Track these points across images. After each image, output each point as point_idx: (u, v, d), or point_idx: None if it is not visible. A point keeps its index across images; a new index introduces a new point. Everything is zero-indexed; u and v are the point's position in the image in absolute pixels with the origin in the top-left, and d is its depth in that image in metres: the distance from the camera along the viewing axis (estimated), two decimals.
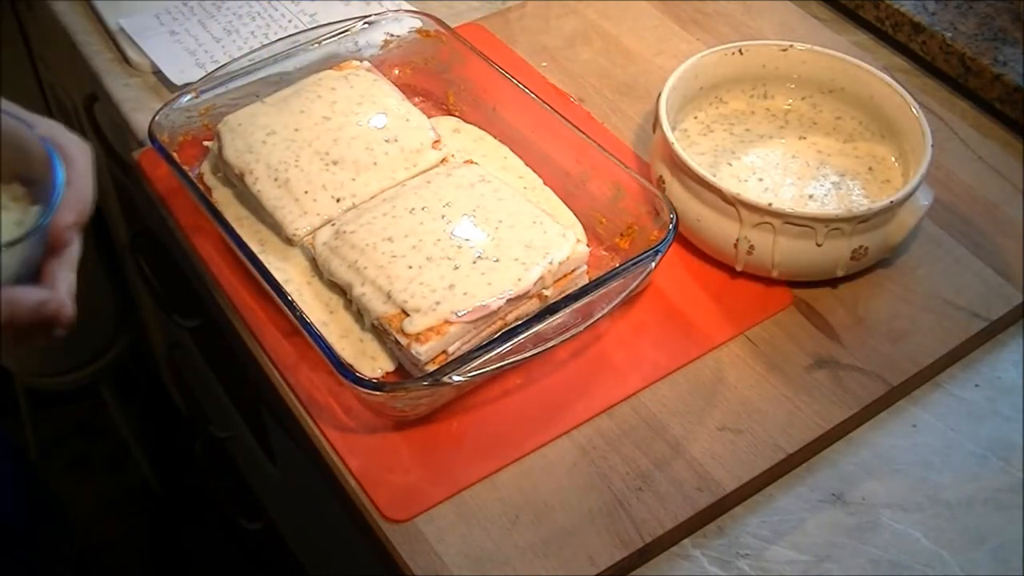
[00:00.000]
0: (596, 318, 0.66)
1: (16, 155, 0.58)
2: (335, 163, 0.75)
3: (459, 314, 0.65)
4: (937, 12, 0.93)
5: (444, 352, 0.66)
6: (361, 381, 0.62)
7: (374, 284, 0.68)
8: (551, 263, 0.68)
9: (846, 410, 0.69)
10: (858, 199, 0.77)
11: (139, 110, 0.88)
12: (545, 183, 0.80)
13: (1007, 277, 0.77)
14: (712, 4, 1.00)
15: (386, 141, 0.76)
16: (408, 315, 0.66)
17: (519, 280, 0.67)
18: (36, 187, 0.58)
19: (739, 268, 0.75)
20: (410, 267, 0.68)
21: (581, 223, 0.77)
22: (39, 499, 0.97)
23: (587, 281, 0.71)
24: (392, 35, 0.87)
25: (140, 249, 1.11)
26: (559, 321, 0.65)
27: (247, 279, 0.74)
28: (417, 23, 0.86)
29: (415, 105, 0.81)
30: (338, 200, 0.74)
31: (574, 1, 1.00)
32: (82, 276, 0.57)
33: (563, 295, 0.67)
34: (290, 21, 0.94)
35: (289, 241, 0.74)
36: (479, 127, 0.84)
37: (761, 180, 0.78)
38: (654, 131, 0.79)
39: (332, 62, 0.83)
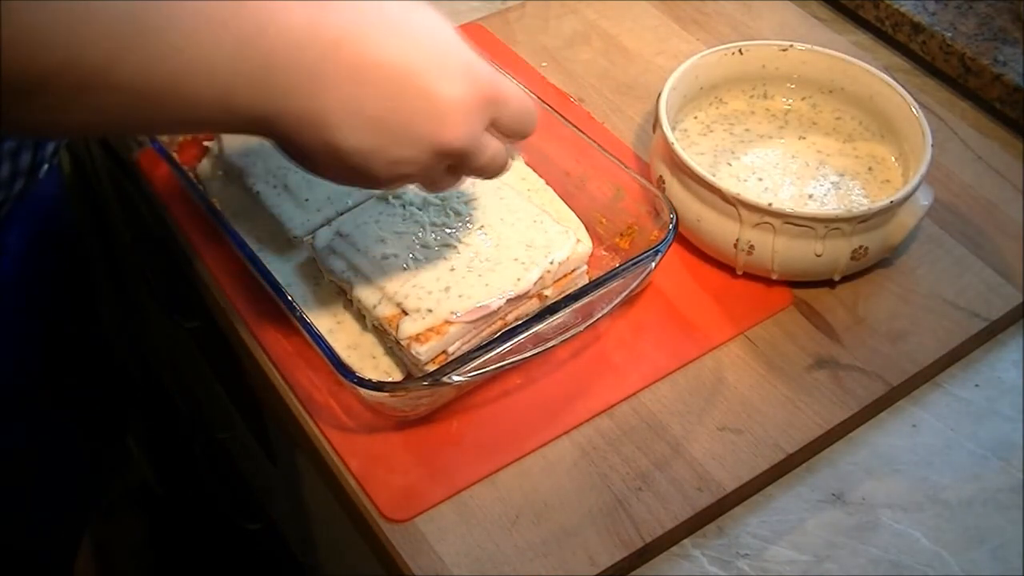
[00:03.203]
0: (596, 318, 0.66)
1: None
2: None
3: (458, 314, 0.65)
4: (937, 12, 0.93)
5: (444, 352, 0.66)
6: (361, 381, 0.62)
7: (372, 285, 0.68)
8: (552, 263, 0.68)
9: (846, 410, 0.69)
10: (858, 199, 0.77)
11: None
12: (546, 184, 0.80)
13: (1007, 277, 0.77)
14: (712, 4, 1.00)
15: None
16: (407, 315, 0.66)
17: (518, 280, 0.67)
18: None
19: (739, 269, 0.75)
20: (405, 268, 0.68)
21: (581, 223, 0.77)
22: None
23: (587, 281, 0.71)
24: None
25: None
26: (559, 321, 0.65)
27: (247, 279, 0.74)
28: None
29: None
30: (340, 213, 0.74)
31: (574, 1, 1.00)
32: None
33: (563, 295, 0.67)
34: None
35: (289, 241, 0.74)
36: None
37: (761, 180, 0.78)
38: (654, 131, 0.79)
39: None
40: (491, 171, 0.58)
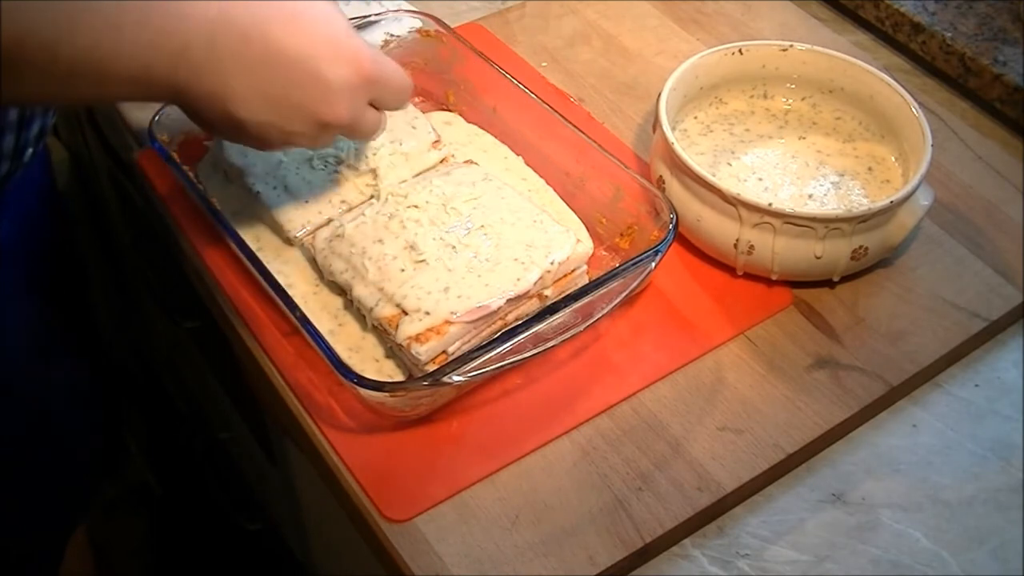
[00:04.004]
0: (596, 318, 0.66)
1: None
2: (337, 174, 0.75)
3: (457, 314, 0.65)
4: (937, 12, 0.93)
5: (444, 352, 0.66)
6: (361, 381, 0.62)
7: (372, 285, 0.68)
8: (552, 263, 0.68)
9: (846, 410, 0.69)
10: (858, 199, 0.77)
11: (139, 110, 0.88)
12: (546, 184, 0.80)
13: (1007, 277, 0.77)
14: (712, 4, 1.00)
15: (391, 143, 0.76)
16: (407, 315, 0.66)
17: (518, 280, 0.67)
18: None
19: (739, 270, 0.75)
20: (403, 270, 0.68)
21: (582, 223, 0.77)
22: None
23: (587, 281, 0.71)
24: (392, 35, 0.86)
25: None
26: (559, 321, 0.65)
27: (247, 279, 0.74)
28: (417, 23, 0.86)
29: (415, 105, 0.81)
30: (340, 213, 0.74)
31: (574, 1, 1.00)
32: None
33: (563, 295, 0.67)
34: None
35: (288, 241, 0.74)
36: (479, 127, 0.84)
37: (761, 180, 0.78)
38: (654, 131, 0.79)
39: None
40: (366, 136, 0.68)
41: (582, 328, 0.66)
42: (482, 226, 0.70)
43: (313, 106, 0.61)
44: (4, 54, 0.50)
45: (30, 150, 0.77)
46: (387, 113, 0.71)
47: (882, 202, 0.70)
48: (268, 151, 0.67)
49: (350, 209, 0.74)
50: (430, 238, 0.69)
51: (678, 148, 0.73)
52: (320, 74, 0.60)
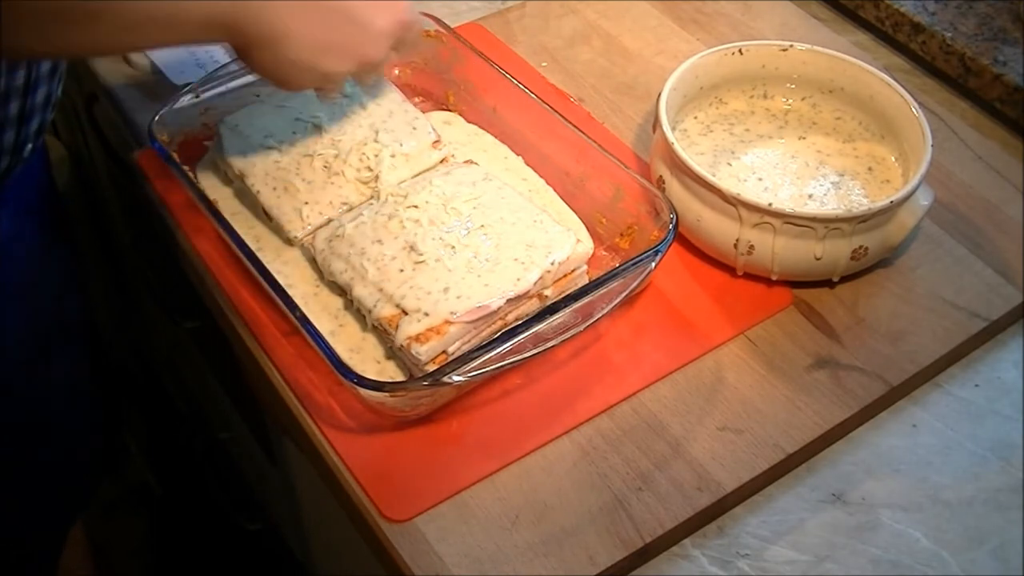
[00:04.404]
0: (596, 318, 0.66)
1: None
2: (338, 175, 0.75)
3: (457, 314, 0.65)
4: (937, 12, 0.93)
5: (444, 352, 0.66)
6: (361, 381, 0.62)
7: (372, 285, 0.68)
8: (552, 263, 0.68)
9: (846, 410, 0.69)
10: (858, 199, 0.77)
11: (139, 110, 0.88)
12: (546, 184, 0.80)
13: (1007, 277, 0.77)
14: (712, 4, 1.00)
15: (391, 143, 0.76)
16: (406, 315, 0.66)
17: (518, 280, 0.67)
18: None
19: (739, 270, 0.75)
20: (402, 270, 0.68)
21: (582, 223, 0.77)
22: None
23: (587, 281, 0.71)
24: None
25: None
26: (559, 321, 0.65)
27: (247, 279, 0.74)
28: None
29: (415, 105, 0.81)
30: (340, 214, 0.74)
31: (574, 1, 1.00)
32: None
33: (563, 295, 0.67)
34: None
35: (288, 241, 0.74)
36: (479, 127, 0.84)
37: (761, 180, 0.78)
38: (654, 131, 0.79)
39: None
40: (380, 70, 0.74)
41: (582, 328, 0.66)
42: (482, 226, 0.70)
43: (357, 49, 0.68)
44: (86, 7, 0.57)
45: (29, 145, 0.77)
46: (387, 113, 0.72)
47: (882, 202, 0.70)
48: (295, 91, 0.74)
49: (350, 209, 0.74)
50: (430, 238, 0.69)
51: (678, 148, 0.73)
52: (367, 22, 0.67)
